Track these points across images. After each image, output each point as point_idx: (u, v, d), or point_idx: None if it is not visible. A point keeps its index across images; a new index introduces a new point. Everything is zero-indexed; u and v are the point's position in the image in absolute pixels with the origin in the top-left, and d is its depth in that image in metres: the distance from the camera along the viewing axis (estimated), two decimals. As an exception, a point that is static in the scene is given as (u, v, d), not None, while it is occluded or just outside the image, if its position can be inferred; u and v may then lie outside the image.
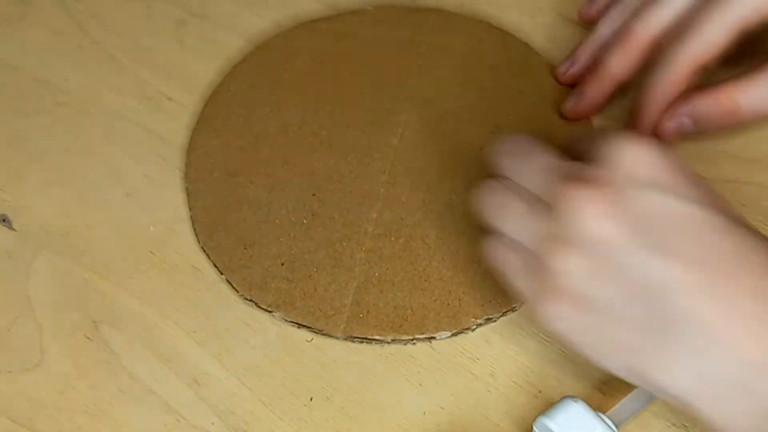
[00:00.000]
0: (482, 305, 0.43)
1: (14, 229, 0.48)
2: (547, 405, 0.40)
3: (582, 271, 0.35)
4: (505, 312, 0.42)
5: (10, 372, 0.43)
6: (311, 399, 0.41)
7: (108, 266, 0.46)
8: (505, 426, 0.40)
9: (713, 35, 0.43)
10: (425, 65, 0.51)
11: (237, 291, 0.44)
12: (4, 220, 0.48)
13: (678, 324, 0.33)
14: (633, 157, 0.35)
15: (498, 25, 0.53)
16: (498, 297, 0.43)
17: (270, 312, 0.43)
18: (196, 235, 0.46)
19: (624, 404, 0.38)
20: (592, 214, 0.34)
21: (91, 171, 0.49)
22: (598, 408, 0.38)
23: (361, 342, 0.42)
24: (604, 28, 0.49)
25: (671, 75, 0.44)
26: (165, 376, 0.42)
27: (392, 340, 0.42)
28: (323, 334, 0.42)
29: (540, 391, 0.41)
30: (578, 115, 0.48)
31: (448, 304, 0.43)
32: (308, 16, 0.55)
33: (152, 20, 0.56)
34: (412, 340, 0.42)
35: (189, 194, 0.47)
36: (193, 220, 0.47)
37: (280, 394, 0.42)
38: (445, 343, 0.42)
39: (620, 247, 0.34)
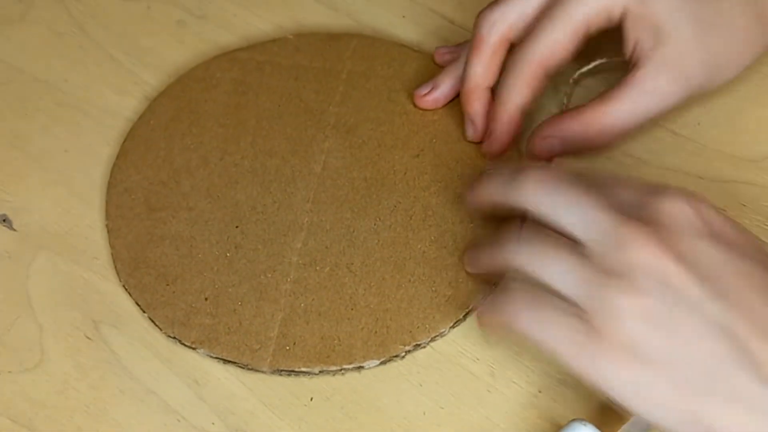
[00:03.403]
0: (410, 331, 0.42)
1: (14, 229, 0.48)
2: (548, 405, 0.40)
3: (637, 313, 0.33)
4: (434, 337, 0.42)
5: (10, 372, 0.43)
6: (311, 399, 0.41)
7: (108, 266, 0.46)
8: (505, 426, 0.40)
9: (557, 37, 0.43)
10: (347, 91, 0.51)
11: (160, 329, 0.43)
12: (4, 220, 0.48)
13: (746, 372, 0.32)
14: (688, 207, 0.35)
15: (417, 49, 0.53)
16: (426, 322, 0.42)
17: (194, 349, 0.43)
18: (117, 273, 0.45)
19: (633, 424, 0.38)
20: (661, 256, 0.33)
21: (91, 171, 0.49)
22: (607, 429, 0.38)
23: (288, 375, 0.42)
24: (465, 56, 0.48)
25: (517, 78, 0.44)
26: (165, 376, 0.42)
27: (320, 372, 0.41)
28: (249, 369, 0.42)
29: (540, 391, 0.41)
30: (486, 135, 0.47)
31: (376, 332, 0.42)
32: (308, 17, 0.55)
33: (152, 20, 0.56)
34: (340, 370, 0.42)
35: (109, 231, 0.46)
36: (114, 258, 0.46)
37: (280, 394, 0.42)
38: (445, 344, 0.42)
39: (684, 292, 0.33)
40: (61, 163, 0.50)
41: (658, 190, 0.35)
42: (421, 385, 0.41)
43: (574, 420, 0.38)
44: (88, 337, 0.44)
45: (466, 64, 0.46)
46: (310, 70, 0.52)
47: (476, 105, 0.47)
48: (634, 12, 0.43)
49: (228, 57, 0.53)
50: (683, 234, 0.34)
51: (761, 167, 0.47)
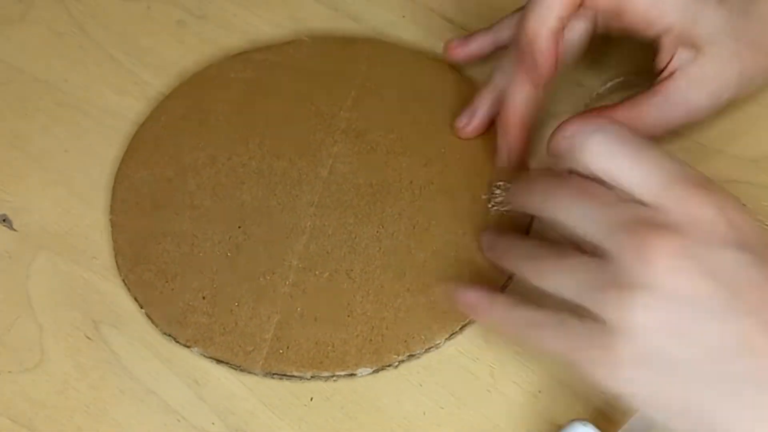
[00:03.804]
0: (405, 341, 0.42)
1: (14, 229, 0.48)
2: (548, 405, 0.40)
3: (658, 326, 0.33)
4: (429, 348, 0.42)
5: (10, 372, 0.43)
6: (311, 399, 0.41)
7: (108, 266, 0.46)
8: (505, 426, 0.40)
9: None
10: (359, 97, 0.50)
11: (156, 325, 0.43)
12: (4, 220, 0.48)
13: (759, 388, 0.32)
14: (714, 211, 0.34)
15: (433, 57, 0.52)
16: (421, 332, 0.42)
17: (188, 347, 0.42)
18: (118, 267, 0.45)
19: (632, 424, 0.38)
20: (674, 267, 0.33)
21: (91, 171, 0.49)
22: (607, 430, 0.38)
23: (281, 378, 0.42)
24: (499, 78, 0.46)
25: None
26: (165, 376, 0.42)
27: (312, 377, 0.41)
28: (241, 370, 0.42)
29: (540, 391, 0.41)
30: (516, 168, 0.46)
31: (371, 340, 0.42)
32: (308, 17, 0.55)
33: (152, 20, 0.56)
34: (333, 376, 0.41)
35: (113, 226, 0.46)
36: (116, 253, 0.46)
37: (280, 394, 0.42)
38: (444, 343, 0.42)
39: (703, 304, 0.33)
40: (61, 163, 0.50)
41: (688, 185, 0.34)
42: (421, 385, 0.41)
43: (574, 420, 0.38)
44: (88, 337, 0.44)
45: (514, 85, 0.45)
46: (323, 73, 0.52)
47: (521, 143, 0.46)
48: (679, 29, 0.43)
49: (242, 58, 0.53)
50: (707, 242, 0.33)
51: (761, 167, 0.47)
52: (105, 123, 0.51)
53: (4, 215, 0.48)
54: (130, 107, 0.52)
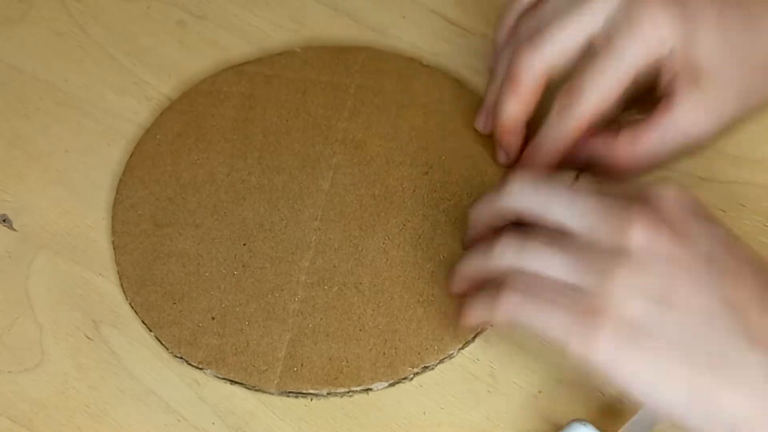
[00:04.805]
0: (419, 353, 0.42)
1: (14, 229, 0.48)
2: (548, 405, 0.40)
3: (649, 291, 0.34)
4: (442, 359, 0.42)
5: (10, 372, 0.43)
6: (311, 399, 0.41)
7: (108, 266, 0.46)
8: (505, 426, 0.40)
9: (605, 92, 0.42)
10: (355, 106, 0.50)
11: (167, 348, 0.43)
12: (4, 220, 0.48)
13: (746, 345, 0.33)
14: (679, 192, 0.36)
15: (428, 63, 0.52)
16: (434, 343, 0.42)
17: (201, 369, 0.42)
18: (124, 291, 0.45)
19: (632, 425, 0.38)
20: (650, 232, 0.34)
21: (91, 171, 0.49)
22: (607, 430, 0.38)
23: (296, 396, 0.42)
24: (500, 68, 0.46)
25: (564, 132, 0.43)
26: (165, 376, 0.42)
27: (328, 393, 0.41)
28: (256, 390, 0.42)
29: (540, 391, 0.41)
30: (516, 162, 0.46)
31: (384, 354, 0.42)
32: (308, 17, 0.55)
33: (152, 20, 0.56)
34: (348, 392, 0.41)
35: (115, 248, 0.46)
36: (120, 275, 0.45)
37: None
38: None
39: (692, 267, 0.34)
40: (61, 163, 0.50)
41: (649, 182, 0.37)
42: (421, 386, 0.41)
43: (574, 420, 0.38)
44: (88, 337, 0.44)
45: (501, 98, 0.45)
46: (318, 84, 0.51)
47: (514, 140, 0.46)
48: (678, 52, 0.42)
49: (235, 70, 0.52)
50: (678, 212, 0.35)
51: (761, 167, 0.47)
52: (105, 123, 0.51)
53: (4, 215, 0.48)
54: (129, 107, 0.52)
